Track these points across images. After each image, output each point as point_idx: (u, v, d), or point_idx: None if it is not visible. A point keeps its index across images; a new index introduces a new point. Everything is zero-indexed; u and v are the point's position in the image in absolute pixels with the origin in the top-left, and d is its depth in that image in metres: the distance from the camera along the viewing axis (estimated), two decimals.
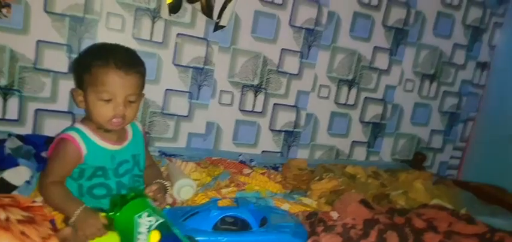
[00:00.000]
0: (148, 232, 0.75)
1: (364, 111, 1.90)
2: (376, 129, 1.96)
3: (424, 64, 1.94)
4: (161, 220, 0.77)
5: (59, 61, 1.39)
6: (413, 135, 2.04)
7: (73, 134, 0.90)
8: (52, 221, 0.87)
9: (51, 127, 1.43)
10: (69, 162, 0.89)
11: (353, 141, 1.93)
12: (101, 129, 0.93)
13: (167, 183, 1.02)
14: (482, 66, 2.06)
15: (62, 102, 1.43)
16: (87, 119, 0.94)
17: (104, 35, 1.41)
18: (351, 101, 1.85)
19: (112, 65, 0.86)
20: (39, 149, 1.24)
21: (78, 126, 0.93)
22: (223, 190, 1.21)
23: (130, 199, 0.78)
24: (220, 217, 0.96)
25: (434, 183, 1.59)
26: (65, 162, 0.89)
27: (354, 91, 1.84)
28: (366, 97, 1.88)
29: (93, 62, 0.86)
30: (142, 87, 0.97)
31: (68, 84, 1.41)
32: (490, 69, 2.06)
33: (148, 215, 0.77)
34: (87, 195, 0.93)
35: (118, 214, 0.78)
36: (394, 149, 2.03)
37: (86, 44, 1.40)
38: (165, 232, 0.76)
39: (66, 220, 0.91)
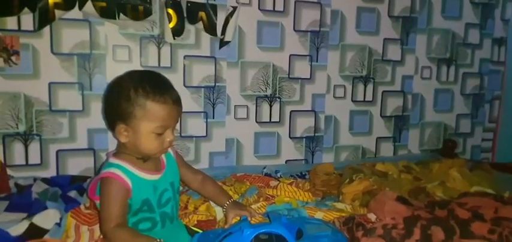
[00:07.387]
0: None
1: (384, 105, 1.84)
2: (400, 122, 1.90)
3: (438, 49, 1.89)
4: None
5: (72, 100, 1.39)
6: (439, 122, 1.97)
7: (115, 170, 0.86)
8: None
9: (74, 166, 1.42)
10: (121, 199, 0.84)
11: (378, 137, 1.87)
12: (140, 159, 0.90)
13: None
14: (499, 41, 1.99)
15: (81, 140, 1.42)
16: (122, 152, 0.90)
17: (113, 68, 1.41)
18: (368, 97, 1.80)
19: (169, 101, 0.86)
20: (65, 190, 1.22)
21: (115, 161, 0.88)
22: (253, 206, 1.16)
23: None
24: (253, 236, 0.91)
25: (470, 169, 1.51)
26: (117, 201, 0.84)
27: (370, 86, 1.80)
28: (383, 91, 1.83)
29: (148, 98, 0.84)
30: None
31: (84, 122, 1.41)
32: (506, 44, 1.99)
33: None
34: None
35: None
36: (421, 140, 1.96)
37: (97, 79, 1.40)
38: None
39: None
